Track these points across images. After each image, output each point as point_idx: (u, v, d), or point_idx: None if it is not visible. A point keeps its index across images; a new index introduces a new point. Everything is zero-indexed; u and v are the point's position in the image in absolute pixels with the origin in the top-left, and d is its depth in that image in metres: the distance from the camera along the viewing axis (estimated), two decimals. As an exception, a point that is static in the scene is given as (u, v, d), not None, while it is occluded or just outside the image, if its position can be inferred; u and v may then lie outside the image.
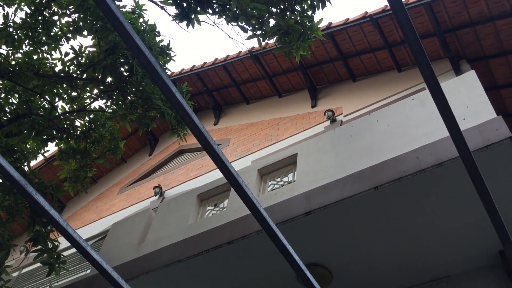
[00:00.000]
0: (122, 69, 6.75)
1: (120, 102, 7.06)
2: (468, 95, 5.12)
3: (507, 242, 1.94)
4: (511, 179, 4.59)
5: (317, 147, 5.93)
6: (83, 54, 6.60)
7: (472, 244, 5.13)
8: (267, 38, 6.30)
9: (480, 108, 4.87)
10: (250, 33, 6.23)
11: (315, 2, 6.05)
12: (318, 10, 6.13)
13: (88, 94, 6.99)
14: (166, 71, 7.07)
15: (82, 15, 6.28)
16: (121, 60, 6.58)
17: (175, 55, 6.83)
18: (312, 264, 5.33)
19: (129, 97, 7.02)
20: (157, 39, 6.65)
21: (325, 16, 25.34)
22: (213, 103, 11.10)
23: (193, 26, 6.08)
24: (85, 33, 6.52)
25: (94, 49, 6.56)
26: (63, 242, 6.28)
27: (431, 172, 4.63)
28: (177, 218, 6.11)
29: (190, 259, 5.36)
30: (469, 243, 5.13)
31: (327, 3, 6.09)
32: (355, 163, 5.26)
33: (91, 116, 7.13)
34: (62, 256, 5.86)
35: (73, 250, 6.93)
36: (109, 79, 6.82)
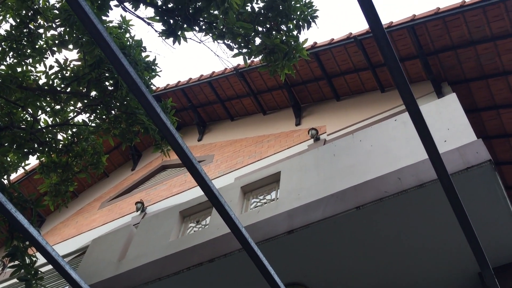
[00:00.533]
0: (107, 83, 6.73)
1: (104, 116, 7.02)
2: (449, 117, 5.21)
3: (485, 266, 1.97)
4: (490, 202, 4.66)
5: (300, 165, 5.95)
6: (68, 68, 6.57)
7: (452, 265, 5.17)
8: (253, 56, 6.36)
9: (460, 130, 4.95)
10: (236, 51, 6.28)
11: (300, 23, 6.14)
12: (303, 30, 6.22)
13: (71, 108, 6.94)
14: (151, 86, 7.06)
15: (68, 29, 6.26)
16: (106, 75, 6.57)
17: (161, 71, 6.84)
18: (293, 283, 5.31)
19: (113, 112, 6.98)
20: (143, 54, 6.65)
21: (311, 36, 25.66)
22: (198, 119, 11.10)
23: (179, 43, 6.11)
24: (70, 46, 6.50)
25: (79, 63, 6.54)
26: (41, 258, 6.17)
27: (412, 193, 4.68)
28: (158, 235, 6.05)
29: (170, 277, 5.31)
30: (449, 264, 5.17)
31: (313, 24, 6.18)
32: (337, 182, 5.29)
33: (74, 130, 7.07)
34: (39, 272, 5.75)
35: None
36: (93, 93, 6.79)
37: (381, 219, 4.89)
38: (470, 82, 8.11)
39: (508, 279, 4.92)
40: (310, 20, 6.12)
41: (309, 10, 6.07)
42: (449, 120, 5.17)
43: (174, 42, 6.10)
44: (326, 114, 9.34)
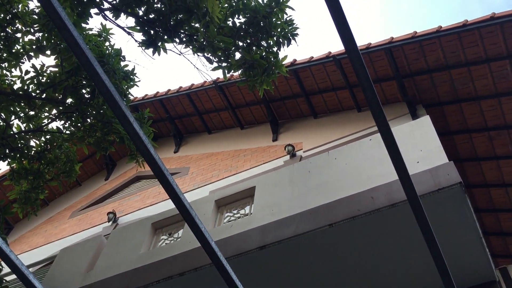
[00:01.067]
0: (83, 91, 6.66)
1: (79, 124, 6.93)
2: (422, 139, 5.31)
3: (449, 285, 2.00)
4: (460, 224, 4.74)
5: (275, 181, 5.97)
6: (44, 74, 6.49)
7: (420, 285, 5.21)
8: (232, 71, 6.38)
9: (433, 152, 5.05)
10: (215, 64, 6.29)
11: (280, 39, 6.19)
12: (283, 47, 6.28)
13: (46, 114, 6.84)
14: (129, 96, 7.01)
15: (46, 34, 6.19)
16: (83, 82, 6.50)
17: (139, 81, 6.80)
18: (264, 299, 5.28)
19: (88, 120, 6.91)
20: (122, 63, 6.62)
21: (290, 53, 25.93)
22: (175, 130, 11.05)
23: (159, 54, 6.10)
24: (48, 52, 6.42)
25: (56, 69, 6.46)
26: (7, 267, 6.01)
27: (384, 212, 4.73)
28: (129, 247, 5.96)
29: (139, 290, 5.22)
30: (418, 284, 5.21)
31: (292, 41, 6.25)
32: (311, 199, 5.31)
33: (48, 137, 6.95)
34: (4, 281, 5.59)
35: (17, 275, 6.62)
36: (69, 101, 6.71)
37: (353, 237, 4.92)
38: (444, 106, 8.29)
39: (475, 301, 4.99)
40: (290, 37, 6.18)
41: (290, 27, 6.13)
42: (422, 141, 5.26)
43: (153, 53, 6.08)
44: (303, 131, 9.41)
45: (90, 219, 10.04)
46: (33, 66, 6.44)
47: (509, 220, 9.36)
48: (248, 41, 6.24)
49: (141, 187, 10.41)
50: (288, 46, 6.25)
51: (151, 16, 5.99)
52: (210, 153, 10.29)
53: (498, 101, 7.88)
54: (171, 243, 5.84)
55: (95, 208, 10.44)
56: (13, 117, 6.64)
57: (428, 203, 4.50)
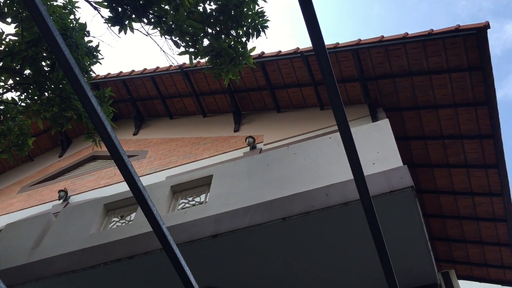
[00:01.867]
0: (43, 63, 6.44)
1: (35, 97, 6.70)
2: (380, 141, 5.42)
3: (393, 286, 2.05)
4: (408, 226, 4.88)
5: (233, 171, 5.96)
6: (3, 42, 6.23)
7: (368, 283, 5.34)
8: (199, 57, 6.32)
9: (389, 155, 5.16)
10: (182, 49, 6.22)
11: (250, 30, 6.18)
12: (252, 38, 6.26)
13: (1, 83, 6.57)
14: (91, 73, 6.83)
15: (8, 1, 5.94)
16: (44, 54, 6.29)
17: (103, 58, 6.64)
18: (211, 287, 5.29)
19: (46, 94, 6.69)
20: (86, 39, 6.43)
21: (259, 45, 25.91)
22: (136, 112, 10.86)
23: (125, 32, 5.96)
24: (8, 20, 6.16)
25: (16, 38, 6.21)
26: None
27: (338, 210, 4.80)
28: (78, 226, 5.83)
29: (86, 270, 5.12)
30: (365, 281, 5.34)
31: (262, 33, 6.24)
32: (267, 192, 5.34)
33: (1, 107, 6.70)
34: None
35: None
36: (27, 72, 6.47)
37: (306, 232, 4.98)
38: (404, 111, 8.50)
39: (416, 301, 5.16)
40: (260, 29, 6.17)
41: (260, 19, 6.12)
42: (380, 144, 5.37)
43: (120, 31, 5.94)
44: (265, 124, 9.43)
45: (40, 195, 9.75)
46: (-8, 33, 6.17)
47: (455, 227, 9.72)
48: (218, 28, 6.19)
49: (96, 167, 10.19)
50: (257, 37, 6.24)
51: (120, -7, 5.85)
52: (170, 138, 10.18)
53: (455, 111, 8.13)
54: (123, 226, 5.75)
55: (46, 184, 10.16)
56: (-34, 84, 6.36)
57: (380, 204, 4.60)
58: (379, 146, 5.36)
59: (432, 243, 9.82)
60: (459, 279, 9.41)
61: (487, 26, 6.98)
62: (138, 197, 1.75)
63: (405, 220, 4.83)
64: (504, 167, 8.22)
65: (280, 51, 8.76)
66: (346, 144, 2.10)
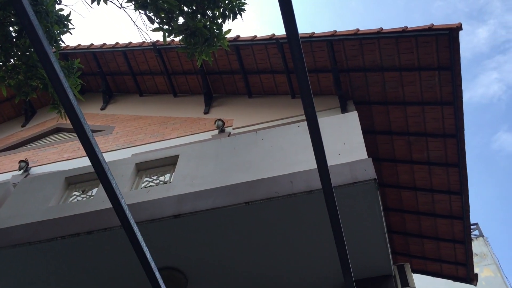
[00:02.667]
0: (11, 28, 6.22)
1: (0, 63, 6.48)
2: (347, 133, 5.48)
3: (347, 273, 2.09)
4: (368, 217, 4.97)
5: (200, 153, 5.94)
6: (-32, 2, 5.97)
7: (324, 271, 5.43)
8: (173, 35, 6.22)
9: (355, 147, 5.23)
10: (156, 25, 6.10)
11: (227, 12, 6.11)
12: (228, 20, 6.19)
13: (-36, 45, 6.32)
14: (60, 42, 6.64)
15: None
16: (12, 19, 6.07)
17: (73, 28, 6.45)
18: (170, 267, 5.28)
19: (12, 60, 6.47)
20: (57, 7, 6.24)
21: (234, 29, 25.71)
22: (105, 87, 10.64)
23: (98, 3, 5.81)
24: (-25, -20, 5.91)
25: (-18, 0, 5.97)
26: None
27: (301, 197, 4.85)
28: (37, 198, 5.71)
29: (42, 243, 5.03)
30: (322, 270, 5.43)
31: (239, 16, 6.18)
32: (233, 175, 5.34)
33: (-37, 71, 6.44)
34: None
35: None
36: (-7, 36, 6.24)
37: (268, 217, 5.01)
38: (373, 105, 8.61)
39: (369, 291, 5.29)
40: (237, 11, 6.11)
41: (238, 1, 6.06)
42: (347, 135, 5.44)
43: (92, 1, 5.79)
44: (236, 108, 9.40)
45: (-1, 164, 9.49)
46: (-44, -8, 5.90)
47: (413, 222, 9.97)
48: (194, 7, 6.09)
49: (60, 139, 9.96)
50: (233, 20, 6.17)
51: (95, -38, 5.69)
52: (138, 115, 10.03)
53: (422, 109, 8.29)
54: (83, 200, 5.67)
55: (6, 154, 9.88)
56: None
57: (342, 195, 4.68)
58: (346, 138, 5.42)
59: (390, 236, 10.05)
60: (414, 273, 9.68)
61: (459, 27, 7.12)
62: (97, 169, 1.71)
63: (366, 211, 4.92)
64: (465, 166, 8.46)
65: (255, 36, 8.71)
66: (313, 133, 2.11)
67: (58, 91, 1.45)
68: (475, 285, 10.49)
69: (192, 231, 5.12)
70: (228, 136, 8.26)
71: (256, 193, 4.95)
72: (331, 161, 4.86)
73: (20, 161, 9.00)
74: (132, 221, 1.84)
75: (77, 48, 10.12)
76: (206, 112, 9.45)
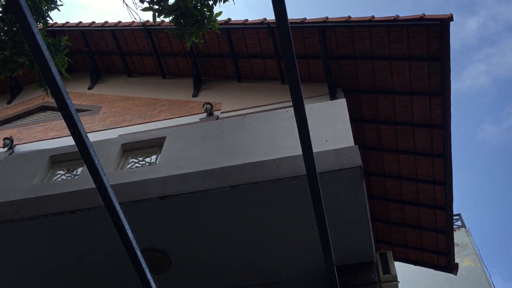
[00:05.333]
0: (-3, 3, 6.09)
1: (-14, 38, 6.35)
2: (334, 120, 5.49)
3: (328, 257, 2.10)
4: (352, 205, 5.00)
5: (187, 135, 5.91)
6: (-47, -26, 5.83)
7: (308, 254, 5.46)
8: (163, 15, 6.14)
9: (342, 134, 5.25)
10: (146, 4, 6.02)
11: (218, -6, 6.04)
12: (219, 2, 6.13)
13: (-52, 18, 6.18)
14: (48, 19, 6.52)
15: None
16: (-2, -7, 5.95)
17: (62, 5, 6.34)
18: (154, 249, 5.28)
19: (-2, 35, 6.35)
20: (45, -18, 6.11)
21: (226, 11, 25.51)
22: (92, 66, 10.51)
23: (87, -20, 5.70)
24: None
25: (-32, -28, 5.83)
26: None
27: (287, 182, 4.86)
28: (21, 176, 5.65)
29: (25, 220, 4.99)
30: (306, 253, 5.46)
31: (230, -1, 6.11)
32: (219, 159, 5.34)
33: None
34: None
35: None
36: (-22, 10, 6.11)
37: (254, 202, 5.02)
38: (362, 94, 8.62)
39: (349, 277, 5.35)
40: (228, -6, 6.04)
41: (229, -17, 5.99)
42: (334, 122, 5.44)
43: (82, -22, 5.67)
44: (225, 92, 9.36)
45: (-17, 141, 9.36)
46: None
47: (397, 211, 10.08)
48: (185, -12, 6.01)
49: (45, 118, 9.85)
50: (224, 2, 6.11)
51: None
52: (126, 96, 9.94)
53: (410, 99, 8.32)
54: (68, 179, 5.63)
55: (-9, 131, 9.75)
56: None
57: (327, 181, 4.70)
58: (333, 125, 5.43)
59: (374, 224, 10.16)
60: (396, 261, 9.79)
61: (450, 18, 7.12)
62: (80, 145, 1.69)
63: (350, 198, 4.95)
64: (450, 157, 8.54)
65: (247, 20, 8.64)
66: (299, 119, 2.11)
67: (40, 63, 1.42)
68: (455, 274, 10.67)
69: (177, 214, 5.12)
70: (216, 119, 8.23)
71: (242, 177, 4.95)
72: (317, 147, 4.87)
73: (5, 138, 8.89)
74: (114, 200, 1.83)
75: (65, 25, 9.96)
76: (194, 95, 9.39)
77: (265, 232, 5.28)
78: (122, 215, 2.08)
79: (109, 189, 1.83)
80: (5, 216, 5.05)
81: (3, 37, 6.29)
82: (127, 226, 2.15)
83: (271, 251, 5.46)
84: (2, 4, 6.13)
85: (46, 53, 1.40)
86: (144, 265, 2.25)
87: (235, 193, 4.93)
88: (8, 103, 10.69)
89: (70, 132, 1.77)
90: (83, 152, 1.79)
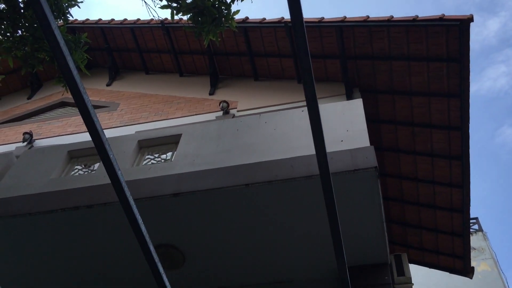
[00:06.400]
0: (19, -1, 6.19)
1: (8, 34, 6.46)
2: (351, 120, 5.46)
3: (340, 256, 2.10)
4: (367, 205, 4.98)
5: (202, 133, 5.94)
6: (-23, -29, 5.94)
7: (320, 254, 5.45)
8: (181, 13, 6.17)
9: (358, 134, 5.22)
10: (165, 2, 6.06)
11: (236, -8, 6.04)
12: (237, 1, 6.14)
13: (-28, 15, 6.30)
14: (68, 15, 6.61)
15: None
16: (20, -11, 6.04)
17: (82, 2, 6.42)
18: (168, 245, 5.32)
19: (19, 31, 6.46)
20: (66, -21, 6.19)
21: (243, 10, 25.52)
22: (111, 63, 10.62)
23: (107, -22, 5.76)
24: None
25: (-9, -31, 5.94)
26: None
27: (301, 182, 4.86)
28: (39, 170, 5.74)
29: (42, 214, 5.08)
30: (318, 253, 5.45)
31: (248, -2, 6.12)
32: (234, 157, 5.35)
33: (-30, 40, 6.43)
34: None
35: None
36: (1, 6, 6.22)
37: (267, 200, 5.03)
38: (379, 94, 8.56)
39: (362, 278, 5.32)
40: (246, -8, 6.05)
41: (247, -18, 6.00)
42: (350, 122, 5.42)
43: (101, -25, 5.74)
44: (241, 90, 9.37)
45: (3, 135, 9.53)
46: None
47: (412, 213, 9.98)
48: (203, -14, 6.03)
49: (64, 113, 9.98)
50: (242, 0, 6.12)
51: None
52: (143, 93, 10.02)
53: (428, 100, 8.23)
54: (85, 174, 5.70)
55: (11, 125, 9.92)
56: None
57: (342, 181, 4.68)
58: (349, 125, 5.41)
59: (389, 225, 10.08)
60: (410, 263, 9.71)
61: (470, 19, 7.03)
62: (96, 141, 1.72)
63: (365, 199, 4.93)
64: (468, 160, 8.43)
65: (264, 19, 8.64)
66: (312, 119, 2.11)
67: (57, 59, 1.45)
68: (471, 278, 10.53)
69: (190, 210, 5.15)
70: (232, 118, 8.25)
71: (256, 175, 4.96)
72: (333, 147, 4.86)
73: (24, 133, 9.04)
74: (128, 195, 1.85)
75: (85, 22, 10.08)
76: (211, 93, 9.43)
77: (278, 231, 5.28)
78: (136, 210, 2.11)
79: (124, 185, 1.85)
80: (24, 210, 5.14)
81: (24, 33, 6.39)
82: (141, 221, 2.18)
83: (284, 250, 5.47)
84: (24, 0, 6.22)
85: (64, 49, 1.43)
86: (157, 260, 2.27)
87: (249, 192, 4.95)
88: (29, 98, 10.86)
89: (87, 127, 1.79)
90: (98, 147, 1.82)
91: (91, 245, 5.41)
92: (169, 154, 5.95)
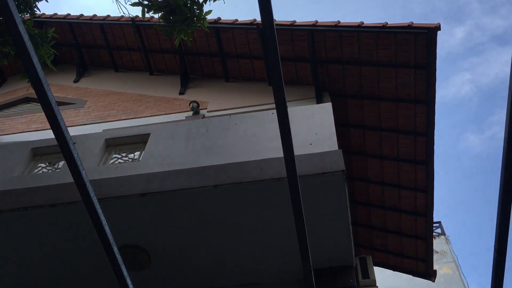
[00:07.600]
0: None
1: (-29, 26, 6.25)
2: (320, 123, 5.51)
3: (305, 258, 2.11)
4: (334, 208, 5.02)
5: (171, 133, 5.88)
6: None
7: (287, 257, 5.47)
8: (152, 11, 6.10)
9: (326, 138, 5.26)
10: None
11: (208, -8, 6.01)
12: (209, 1, 6.10)
13: None
14: (35, 9, 6.44)
15: None
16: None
17: (50, -4, 6.27)
18: (134, 245, 5.24)
19: (-17, 24, 6.26)
20: (34, -28, 6.04)
21: (216, 10, 25.44)
22: (79, 59, 10.40)
23: (77, -28, 5.64)
24: None
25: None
26: None
27: (270, 184, 4.87)
28: (1, 167, 5.58)
29: (3, 213, 4.92)
30: (286, 256, 5.46)
31: (220, -2, 6.09)
32: (203, 158, 5.32)
33: None
34: None
35: None
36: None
37: (236, 202, 5.01)
38: (348, 98, 8.66)
39: (328, 280, 5.37)
40: (219, -7, 6.02)
41: (220, -18, 5.97)
42: (320, 126, 5.46)
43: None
44: (212, 91, 9.33)
45: (-36, 131, 9.22)
46: None
47: (378, 216, 10.14)
48: (175, -15, 5.98)
49: (29, 109, 9.72)
50: (214, 1, 6.09)
51: None
52: (112, 91, 9.85)
53: (396, 106, 8.39)
54: (49, 172, 5.56)
55: (-28, 120, 9.59)
56: None
57: (310, 184, 4.71)
58: (318, 128, 5.45)
59: (355, 228, 10.21)
60: (375, 265, 9.87)
61: (438, 27, 7.20)
62: (61, 143, 1.67)
63: (332, 202, 4.97)
64: (432, 165, 8.62)
65: (236, 20, 8.63)
66: (281, 119, 2.11)
67: (21, 53, 1.40)
68: (434, 281, 10.77)
69: (158, 211, 5.09)
70: (202, 118, 8.20)
71: (225, 176, 4.94)
72: (301, 150, 4.89)
73: (-14, 129, 8.76)
74: (92, 195, 1.81)
75: (53, 17, 9.85)
76: (181, 93, 9.35)
77: (246, 233, 5.27)
78: (100, 210, 2.06)
79: (88, 184, 1.81)
80: (-17, 208, 4.97)
81: (-12, 26, 6.19)
82: (104, 222, 2.13)
83: (252, 252, 5.46)
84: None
85: (28, 44, 1.38)
86: (120, 261, 2.23)
87: (217, 193, 4.92)
88: (-9, 93, 10.53)
89: (50, 125, 1.74)
90: (62, 146, 1.77)
91: (55, 245, 5.28)
92: (137, 153, 5.87)
